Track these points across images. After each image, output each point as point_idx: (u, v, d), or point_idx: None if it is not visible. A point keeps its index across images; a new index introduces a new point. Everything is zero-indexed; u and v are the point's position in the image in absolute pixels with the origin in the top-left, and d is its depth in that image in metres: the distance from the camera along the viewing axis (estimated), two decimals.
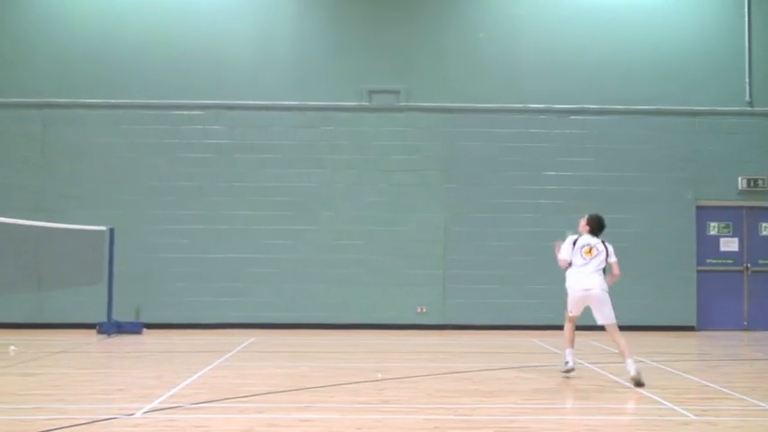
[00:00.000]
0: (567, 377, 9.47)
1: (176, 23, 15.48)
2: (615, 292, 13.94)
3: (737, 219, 15.69)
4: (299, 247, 15.25)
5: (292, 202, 15.29)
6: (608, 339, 12.37)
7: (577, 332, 12.72)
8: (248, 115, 15.41)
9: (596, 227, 9.87)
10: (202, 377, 9.31)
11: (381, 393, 8.38)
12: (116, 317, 14.07)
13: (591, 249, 9.65)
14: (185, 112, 15.36)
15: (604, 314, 9.50)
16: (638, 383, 8.83)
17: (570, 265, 9.69)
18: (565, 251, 9.75)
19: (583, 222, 10.00)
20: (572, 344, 9.70)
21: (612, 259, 9.70)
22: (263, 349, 12.24)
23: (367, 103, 15.49)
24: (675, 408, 7.60)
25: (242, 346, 12.42)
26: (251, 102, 15.41)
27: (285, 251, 15.23)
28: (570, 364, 9.53)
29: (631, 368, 8.97)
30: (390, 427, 6.74)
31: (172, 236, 15.14)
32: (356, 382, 9.00)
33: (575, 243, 9.72)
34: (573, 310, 9.70)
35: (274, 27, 15.65)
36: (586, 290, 9.49)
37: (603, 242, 9.75)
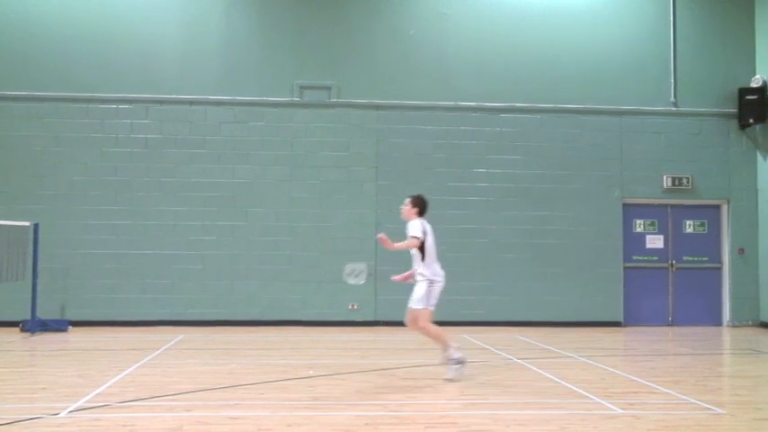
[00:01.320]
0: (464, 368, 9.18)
1: (103, 15, 15.10)
2: (545, 289, 14.38)
3: (663, 216, 16.11)
4: (227, 244, 15.07)
5: (221, 197, 15.10)
6: (535, 335, 12.61)
7: (505, 327, 12.86)
8: (177, 110, 15.15)
9: (425, 207, 9.61)
10: (130, 375, 9.12)
11: (312, 390, 8.34)
12: (40, 314, 13.66)
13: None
14: (112, 106, 15.00)
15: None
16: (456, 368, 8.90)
17: (424, 254, 9.30)
18: (421, 231, 9.28)
19: (408, 206, 9.62)
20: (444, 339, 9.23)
21: None
22: (192, 347, 12.05)
23: (298, 99, 15.39)
24: (602, 402, 7.76)
25: (170, 343, 12.21)
26: (180, 96, 15.14)
27: (214, 247, 15.03)
28: (462, 356, 9.14)
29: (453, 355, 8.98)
30: (321, 424, 6.71)
31: (98, 231, 14.79)
32: (287, 379, 8.94)
33: (425, 227, 9.38)
34: (434, 303, 9.35)
35: (204, 20, 15.41)
36: (443, 277, 9.37)
37: None
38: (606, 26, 16.04)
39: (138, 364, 9.94)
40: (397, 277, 9.69)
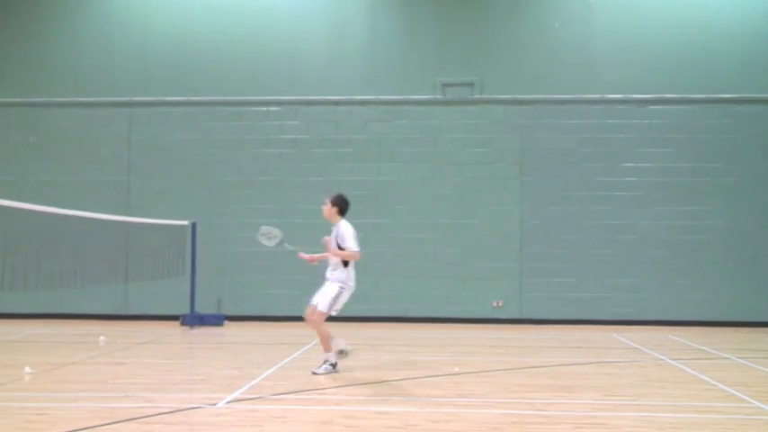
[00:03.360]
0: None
1: (252, 22, 15.73)
2: (699, 287, 13.78)
3: None
4: (372, 241, 15.27)
5: (366, 195, 15.34)
6: (688, 335, 12.12)
7: (656, 326, 12.43)
8: (323, 110, 15.57)
9: (347, 207, 9.58)
10: (282, 369, 9.47)
11: (458, 387, 8.38)
12: (198, 309, 14.41)
13: None
14: (262, 109, 15.60)
15: None
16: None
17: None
18: (355, 242, 9.32)
19: (328, 206, 9.55)
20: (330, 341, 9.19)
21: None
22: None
23: (440, 96, 15.46)
24: (763, 406, 7.39)
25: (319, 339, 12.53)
26: (326, 97, 15.55)
27: (360, 244, 15.28)
28: (346, 348, 9.22)
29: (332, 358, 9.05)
30: (467, 421, 6.73)
31: (250, 230, 15.32)
32: (433, 376, 9.03)
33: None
34: (338, 309, 9.30)
35: (348, 22, 15.75)
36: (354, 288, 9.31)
37: None
38: (759, 11, 15.16)
39: (290, 358, 10.31)
40: (305, 256, 9.64)
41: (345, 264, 9.31)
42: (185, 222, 14.45)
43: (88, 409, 7.09)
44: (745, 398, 7.79)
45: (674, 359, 10.45)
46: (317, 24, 15.75)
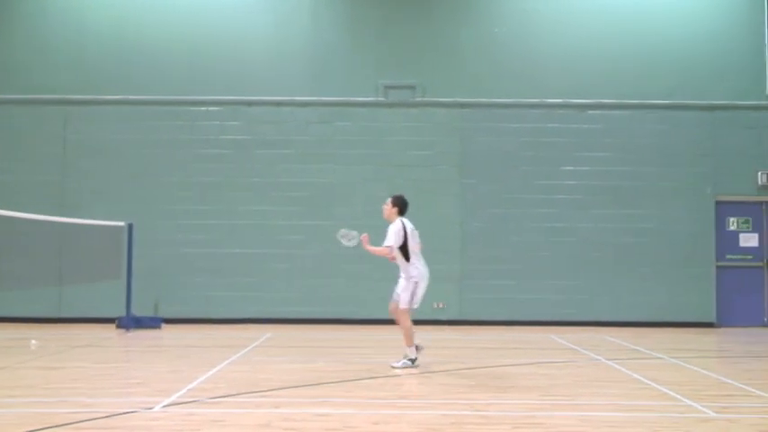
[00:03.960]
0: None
1: (192, 20, 15.53)
2: (635, 289, 14.04)
3: (757, 214, 15.56)
4: (314, 242, 15.27)
5: (308, 197, 15.31)
6: (624, 335, 12.35)
7: (593, 327, 12.65)
8: (265, 111, 15.45)
9: (406, 207, 9.99)
10: (220, 372, 9.35)
11: (399, 388, 8.39)
12: (135, 312, 14.16)
13: (416, 233, 9.83)
14: (202, 109, 15.41)
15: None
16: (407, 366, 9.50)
17: (407, 254, 9.65)
18: (396, 239, 9.62)
19: (389, 206, 10.00)
20: (413, 338, 9.73)
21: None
22: (280, 344, 12.27)
23: (383, 99, 15.48)
24: (695, 404, 7.55)
25: (259, 341, 12.46)
26: (267, 98, 15.44)
27: (301, 246, 15.27)
28: (417, 360, 9.67)
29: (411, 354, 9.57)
30: (407, 422, 6.74)
31: (189, 231, 15.21)
32: (373, 378, 9.02)
33: (405, 228, 9.72)
34: (417, 302, 9.72)
35: (291, 22, 15.66)
36: (427, 278, 9.71)
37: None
38: (696, 19, 15.58)
39: (227, 361, 10.18)
40: (366, 242, 9.92)
41: (407, 259, 9.62)
42: (122, 223, 14.19)
43: (18, 414, 6.89)
44: (678, 396, 7.95)
45: (609, 359, 10.63)
46: (259, 24, 15.63)
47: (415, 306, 9.70)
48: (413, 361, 9.61)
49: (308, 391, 8.16)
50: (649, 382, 8.81)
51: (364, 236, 9.79)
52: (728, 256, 15.46)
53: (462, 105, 15.48)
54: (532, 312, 15.12)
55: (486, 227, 15.34)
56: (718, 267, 15.36)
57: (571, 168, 15.38)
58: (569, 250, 15.21)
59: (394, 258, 9.73)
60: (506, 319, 15.03)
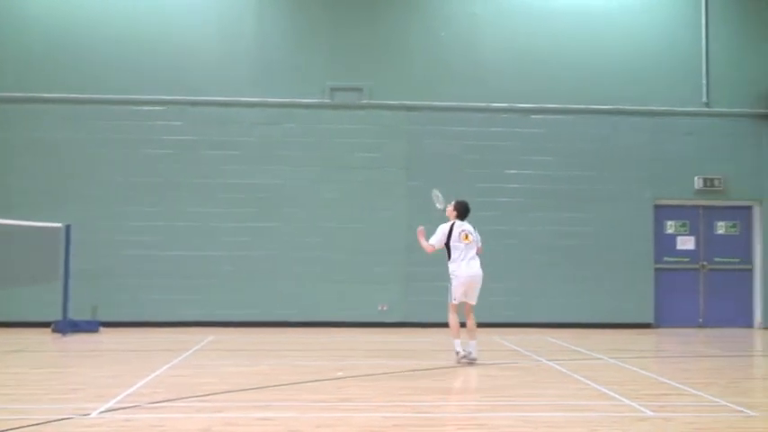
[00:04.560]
0: (463, 362, 10.19)
1: (138, 18, 15.23)
2: (576, 291, 14.22)
3: (694, 217, 15.94)
4: (260, 245, 15.15)
5: (253, 198, 15.18)
6: (565, 336, 12.51)
7: (533, 329, 12.85)
8: (210, 111, 15.26)
9: (465, 211, 10.62)
10: (160, 376, 9.21)
11: (342, 391, 8.36)
12: (72, 315, 13.85)
13: (467, 235, 10.34)
14: (146, 108, 15.16)
15: (476, 296, 10.47)
16: (471, 362, 10.14)
17: (449, 253, 10.36)
18: (437, 239, 10.38)
19: (450, 208, 10.66)
20: (459, 333, 10.38)
21: (479, 244, 10.44)
22: (223, 347, 12.13)
23: (329, 100, 15.44)
24: (633, 404, 7.69)
25: (201, 344, 12.31)
26: (213, 98, 15.26)
27: (246, 248, 15.13)
28: (462, 353, 10.21)
29: (473, 349, 10.26)
30: (350, 425, 6.72)
31: (130, 233, 14.95)
32: (317, 381, 8.97)
33: (451, 230, 10.33)
34: (458, 297, 10.38)
35: (237, 23, 15.50)
36: (472, 276, 10.23)
37: (473, 226, 10.50)
38: (638, 27, 15.89)
39: (168, 365, 10.03)
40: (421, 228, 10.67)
41: (449, 257, 10.39)
42: (59, 225, 13.86)
43: None
44: (617, 396, 8.09)
45: (550, 360, 10.77)
46: (204, 23, 15.44)
47: (454, 302, 10.32)
48: (456, 353, 10.21)
49: (251, 395, 8.08)
50: (589, 383, 8.94)
51: (420, 228, 10.53)
52: (666, 259, 15.79)
53: (409, 108, 15.52)
54: (476, 314, 15.16)
55: (431, 229, 15.31)
56: (656, 269, 15.67)
57: (515, 172, 15.54)
58: (512, 253, 15.35)
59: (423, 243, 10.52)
60: None
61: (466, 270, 10.23)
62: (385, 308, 15.16)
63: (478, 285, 10.35)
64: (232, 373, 9.48)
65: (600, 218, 15.52)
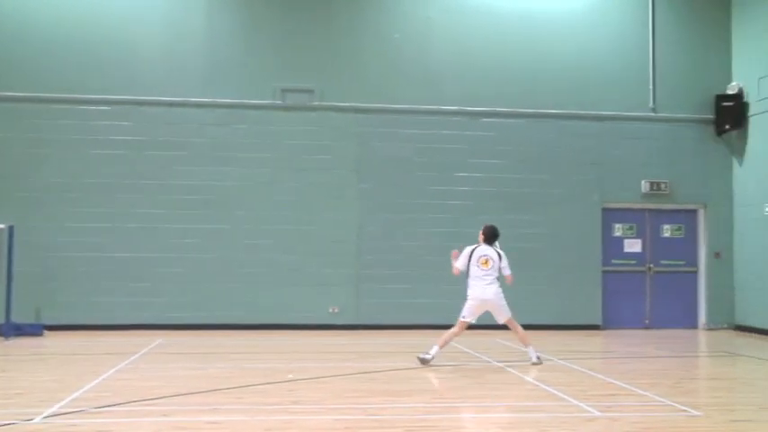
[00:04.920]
0: (429, 366, 10.26)
1: (84, 16, 14.97)
2: (526, 293, 14.35)
3: (641, 221, 16.21)
4: (209, 247, 14.99)
5: (203, 200, 15.02)
6: (515, 338, 12.60)
7: (483, 331, 12.99)
8: (158, 111, 15.06)
9: (490, 236, 10.94)
10: (107, 380, 9.04)
11: (292, 394, 8.31)
12: (15, 318, 13.53)
13: (487, 261, 10.65)
14: (93, 108, 14.89)
15: (503, 314, 10.70)
16: (537, 364, 10.42)
17: (468, 274, 10.67)
18: (460, 261, 10.70)
19: (481, 235, 11.01)
20: (446, 344, 10.69)
21: (507, 272, 10.70)
22: (171, 351, 11.97)
23: (280, 102, 15.35)
24: (581, 404, 7.78)
25: (149, 347, 12.13)
26: (161, 98, 15.06)
27: (195, 250, 14.96)
28: (431, 358, 10.39)
29: (532, 354, 10.56)
30: (300, 428, 6.68)
31: (76, 234, 14.67)
32: (267, 384, 8.90)
33: (471, 253, 10.66)
34: (468, 316, 10.58)
35: (186, 22, 15.34)
36: (484, 300, 10.51)
37: (498, 251, 10.74)
38: (587, 33, 16.11)
39: (115, 369, 9.86)
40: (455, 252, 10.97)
41: (468, 277, 10.72)
42: (1, 226, 13.55)
43: None
44: (565, 397, 8.17)
45: (500, 362, 10.85)
46: (153, 22, 15.22)
47: (464, 319, 10.59)
48: (427, 354, 10.43)
49: (200, 399, 7.98)
50: (539, 384, 9.03)
51: (454, 252, 10.84)
52: (614, 261, 16.04)
53: (360, 110, 15.51)
54: (427, 316, 15.24)
55: (382, 231, 15.41)
56: (604, 272, 15.91)
57: (465, 174, 15.63)
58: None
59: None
60: (402, 323, 15.12)
61: (480, 293, 10.52)
62: (336, 310, 15.13)
63: (497, 307, 10.60)
64: (181, 377, 9.36)
65: (549, 221, 15.70)
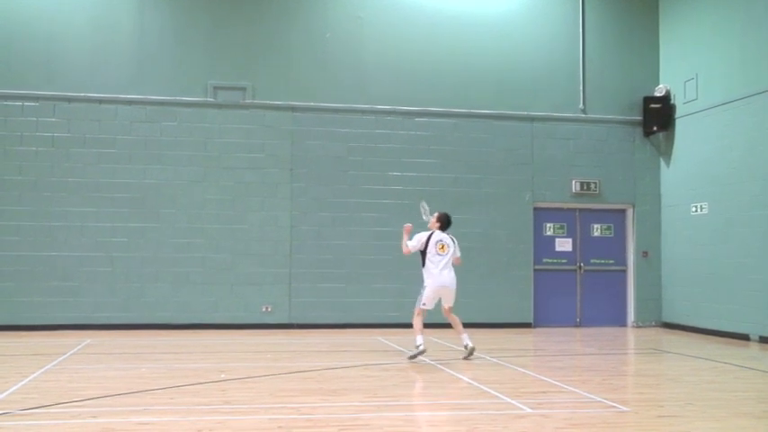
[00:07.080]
0: (416, 361, 10.55)
1: (7, 10, 14.58)
2: (459, 291, 14.39)
3: (571, 220, 16.52)
4: (138, 246, 14.73)
5: (132, 198, 14.76)
6: (447, 336, 12.72)
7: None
8: (86, 108, 14.73)
9: (446, 223, 11.13)
10: (33, 381, 8.80)
11: (224, 394, 8.22)
12: None
13: (444, 246, 10.77)
14: (17, 103, 14.49)
15: (452, 300, 10.99)
16: (471, 353, 10.77)
17: (424, 260, 10.77)
18: (414, 243, 10.80)
19: (433, 219, 11.14)
20: (422, 332, 10.83)
21: (457, 254, 10.90)
22: (100, 351, 11.71)
23: (212, 99, 15.17)
24: (512, 401, 7.88)
25: (77, 348, 11.85)
26: (89, 94, 14.73)
27: (123, 249, 14.68)
28: (422, 347, 10.54)
29: (467, 341, 10.84)
30: (232, 429, 6.61)
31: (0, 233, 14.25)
32: (198, 384, 8.78)
33: (428, 239, 10.73)
34: (428, 303, 10.74)
35: (114, 17, 15.04)
36: (443, 285, 10.67)
37: (452, 237, 10.92)
38: (518, 34, 16.35)
39: (41, 370, 9.61)
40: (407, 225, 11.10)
41: (423, 264, 10.82)
42: None
43: None
44: (498, 394, 8.27)
45: (433, 360, 10.91)
46: (81, 16, 14.88)
47: (423, 307, 10.77)
48: (417, 347, 10.56)
49: (130, 400, 7.83)
50: (471, 382, 9.12)
51: (407, 225, 10.94)
52: (545, 260, 16.31)
53: (293, 109, 15.44)
54: (360, 315, 15.29)
55: (315, 230, 15.36)
56: (535, 271, 16.17)
57: (398, 174, 15.69)
58: (395, 254, 15.40)
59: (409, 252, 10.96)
60: (335, 323, 15.13)
61: (438, 279, 10.66)
62: (269, 309, 15.03)
63: (452, 292, 10.86)
64: (109, 378, 9.18)
65: (481, 220, 15.87)
